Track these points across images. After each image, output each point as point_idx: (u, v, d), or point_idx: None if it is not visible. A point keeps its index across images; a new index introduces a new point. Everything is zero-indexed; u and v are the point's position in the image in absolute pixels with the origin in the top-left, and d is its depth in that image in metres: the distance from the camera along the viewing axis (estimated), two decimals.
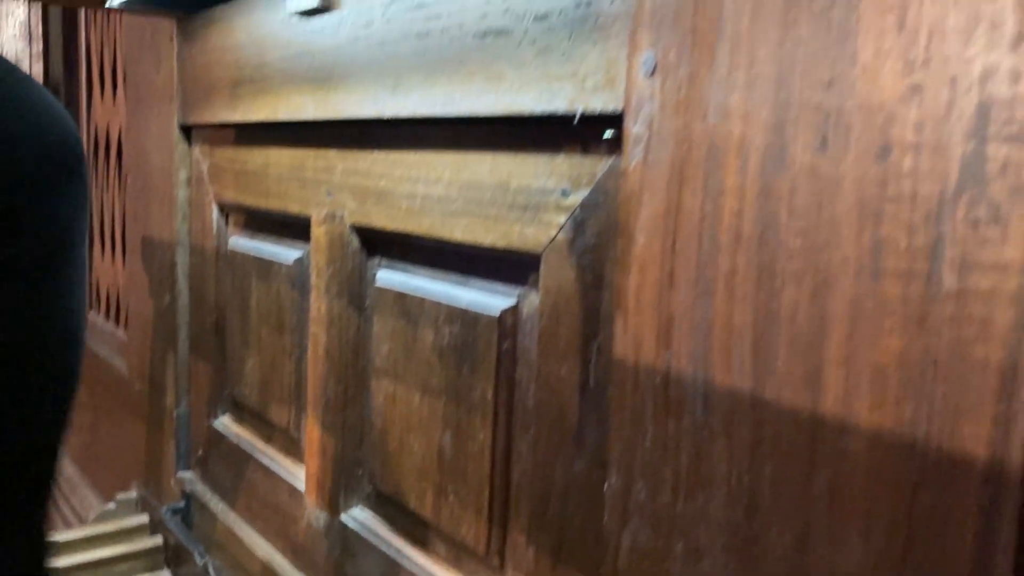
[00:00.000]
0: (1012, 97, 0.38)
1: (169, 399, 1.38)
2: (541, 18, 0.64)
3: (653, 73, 0.55)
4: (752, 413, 0.49)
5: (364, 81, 0.85)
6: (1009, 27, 0.38)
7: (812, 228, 0.46)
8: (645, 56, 0.55)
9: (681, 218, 0.53)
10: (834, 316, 0.45)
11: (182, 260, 1.34)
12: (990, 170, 0.39)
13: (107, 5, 1.19)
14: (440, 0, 0.74)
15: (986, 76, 0.39)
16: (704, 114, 0.52)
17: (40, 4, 1.92)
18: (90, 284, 1.96)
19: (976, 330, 0.39)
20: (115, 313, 1.82)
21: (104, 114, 1.81)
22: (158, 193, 1.40)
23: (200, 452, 1.30)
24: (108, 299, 1.86)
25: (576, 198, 0.63)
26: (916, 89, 0.41)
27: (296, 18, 0.95)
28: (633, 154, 0.57)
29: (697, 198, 0.52)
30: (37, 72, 1.93)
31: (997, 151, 0.39)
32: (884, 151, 0.43)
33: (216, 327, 1.26)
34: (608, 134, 0.60)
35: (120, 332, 1.74)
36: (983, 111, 0.39)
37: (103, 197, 1.86)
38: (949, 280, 0.40)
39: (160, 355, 1.43)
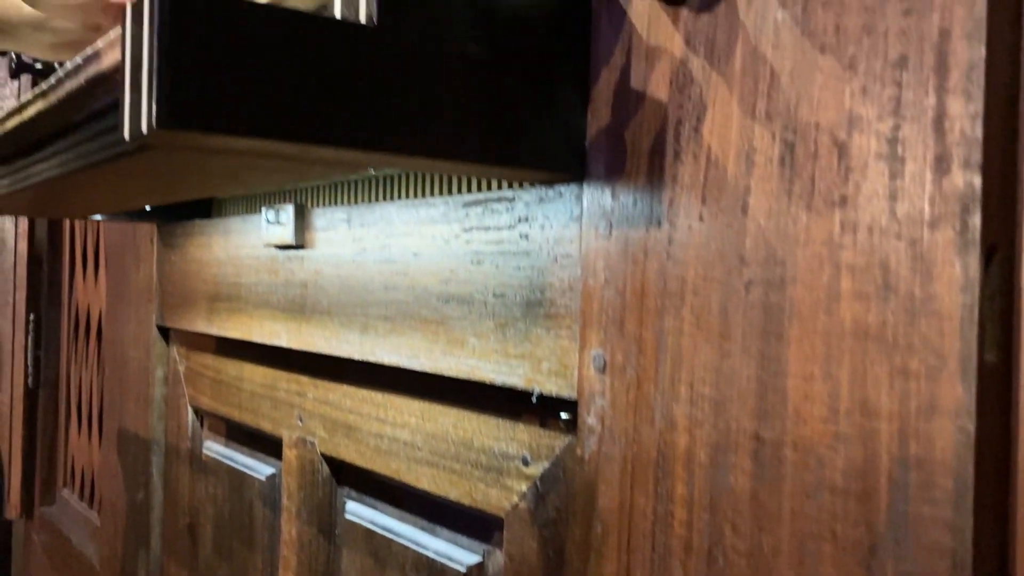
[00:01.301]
0: (928, 457, 0.40)
1: None
2: (500, 295, 0.67)
3: (603, 370, 0.58)
4: None
5: (335, 320, 0.87)
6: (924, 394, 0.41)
7: (757, 552, 0.48)
8: (595, 353, 0.58)
9: (635, 517, 0.55)
10: None
11: (157, 458, 1.34)
12: (911, 530, 0.41)
13: (92, 217, 1.23)
14: (407, 259, 0.77)
15: (904, 434, 0.41)
16: (652, 419, 0.54)
17: None
18: (64, 461, 1.95)
19: None
20: (89, 494, 1.80)
21: (86, 294, 1.84)
22: (135, 388, 1.41)
23: None
24: (83, 479, 1.84)
25: (536, 469, 0.65)
26: (841, 438, 0.44)
27: (272, 248, 0.99)
28: (588, 444, 0.59)
29: (649, 501, 0.54)
30: (22, 250, 1.97)
31: (919, 509, 0.41)
32: (817, 490, 0.45)
33: (190, 530, 1.25)
34: (564, 416, 0.62)
35: (93, 516, 1.72)
36: (903, 466, 0.41)
37: (81, 374, 1.87)
38: None
39: (132, 550, 1.41)
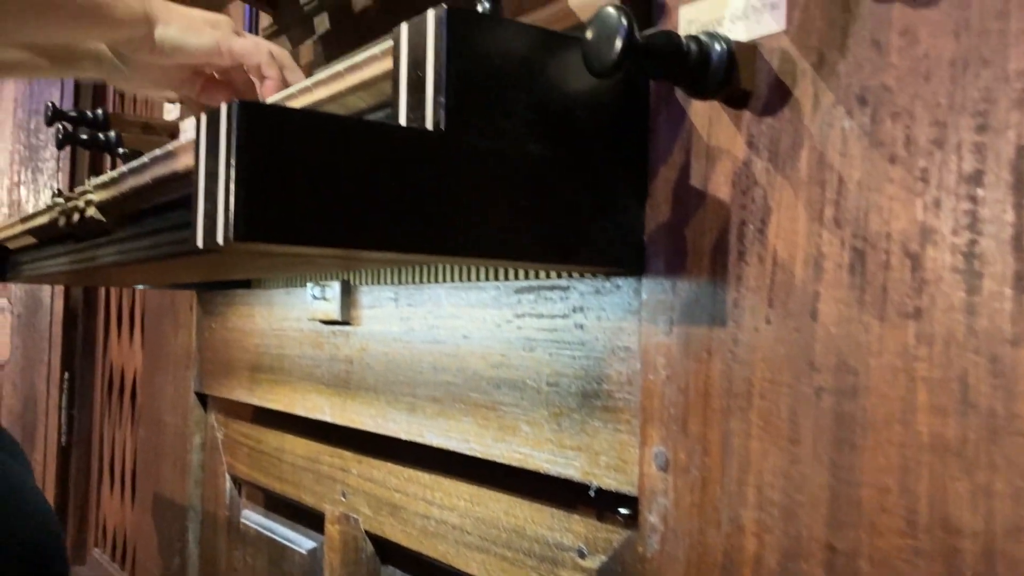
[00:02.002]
0: None
1: None
2: (554, 383, 0.67)
3: (666, 468, 0.57)
4: None
5: (381, 397, 0.88)
6: None
7: None
8: (656, 450, 0.58)
9: None
10: None
11: (193, 525, 1.33)
12: None
13: (134, 286, 1.24)
14: (457, 340, 0.78)
15: (990, 555, 0.41)
16: (718, 521, 0.54)
17: None
18: (95, 521, 1.95)
19: None
20: (120, 555, 1.80)
21: (120, 354, 1.86)
22: (171, 453, 1.41)
23: None
24: (114, 540, 1.84)
25: (593, 562, 0.64)
26: (920, 553, 0.43)
27: (317, 323, 1.00)
28: (650, 542, 0.58)
29: None
30: (58, 309, 1.99)
31: None
32: None
33: None
34: (623, 512, 0.62)
35: None
36: None
37: (114, 433, 1.87)
38: None
39: None
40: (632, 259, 0.60)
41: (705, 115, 0.56)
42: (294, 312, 1.06)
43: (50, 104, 1.27)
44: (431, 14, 0.52)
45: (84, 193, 0.74)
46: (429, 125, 0.52)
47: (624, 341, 0.61)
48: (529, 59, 0.55)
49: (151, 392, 1.52)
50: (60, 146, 1.28)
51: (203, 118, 0.48)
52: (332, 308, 0.94)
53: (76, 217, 0.73)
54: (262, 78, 0.81)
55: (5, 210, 2.10)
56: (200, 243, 0.48)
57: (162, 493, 1.44)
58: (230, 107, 0.45)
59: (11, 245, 1.11)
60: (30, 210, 2.17)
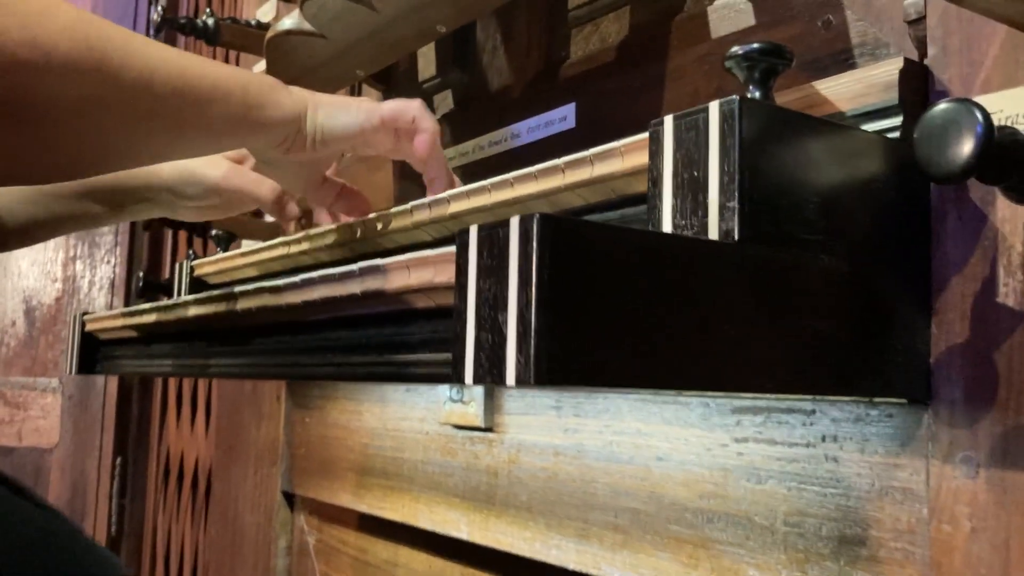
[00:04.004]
0: None
1: None
2: (794, 524, 0.58)
3: None
4: None
5: (539, 519, 0.78)
6: None
7: None
8: None
9: None
10: None
11: None
12: None
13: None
14: (646, 462, 0.68)
15: None
16: None
17: None
18: None
19: None
20: None
21: (179, 439, 1.76)
22: (251, 555, 1.30)
23: None
24: None
25: None
26: None
27: (449, 427, 0.91)
28: None
29: None
30: (112, 389, 1.90)
31: None
32: None
33: None
34: None
35: None
36: None
37: (171, 526, 1.77)
38: None
39: None
40: (915, 384, 0.51)
41: (1016, 220, 0.48)
42: (416, 412, 0.97)
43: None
44: (715, 108, 0.45)
45: (231, 297, 0.66)
46: (714, 234, 0.44)
47: (901, 481, 0.52)
48: (817, 156, 0.47)
49: (226, 487, 1.42)
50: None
51: (473, 234, 0.40)
52: (473, 413, 0.85)
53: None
54: (412, 136, 0.71)
55: (59, 285, 2.03)
56: (470, 379, 0.40)
57: None
58: (527, 219, 0.37)
59: (104, 336, 1.03)
60: (85, 287, 2.10)
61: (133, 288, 1.35)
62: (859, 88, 0.53)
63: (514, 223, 0.38)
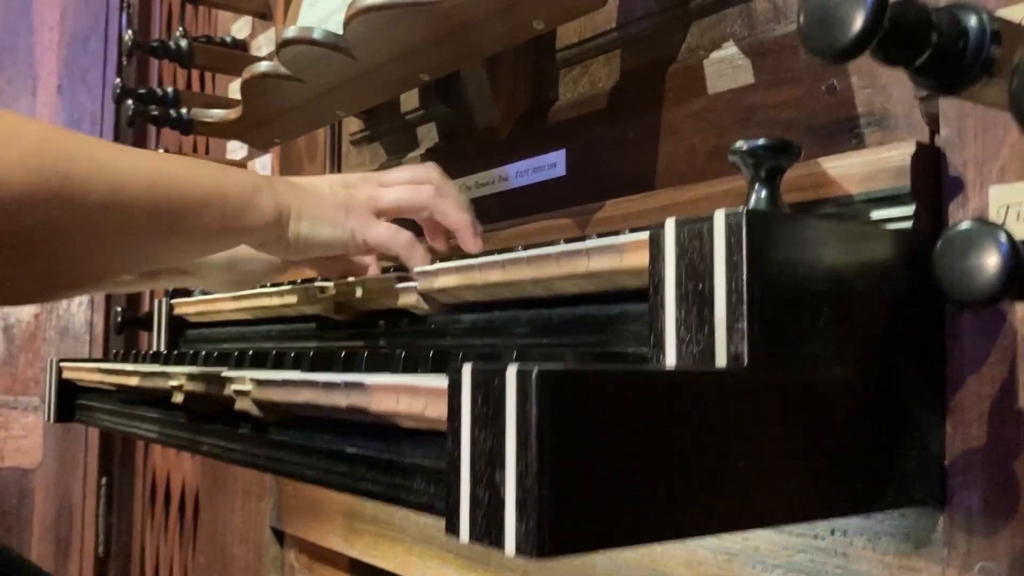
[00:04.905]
0: None
1: None
2: None
3: None
4: None
5: None
6: None
7: None
8: None
9: None
10: None
11: None
12: None
13: None
14: None
15: None
16: None
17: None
18: None
19: None
20: None
21: (165, 460, 1.73)
22: None
23: None
24: None
25: None
26: None
27: None
28: None
29: None
30: None
31: None
32: None
33: None
34: None
35: None
36: None
37: (158, 545, 1.74)
38: None
39: None
40: (929, 487, 0.49)
41: None
42: None
43: (118, 83, 1.17)
44: (720, 219, 0.42)
45: (216, 380, 0.63)
46: (720, 356, 0.41)
47: None
48: (828, 261, 0.44)
49: (213, 516, 1.39)
50: (130, 123, 1.15)
51: (466, 375, 0.37)
52: None
53: (221, 401, 0.61)
54: (435, 234, 0.74)
55: None
56: (465, 537, 0.37)
57: None
58: (524, 375, 0.34)
59: (83, 383, 1.00)
60: (64, 303, 2.04)
61: (112, 320, 1.31)
62: (868, 171, 0.51)
63: (511, 375, 0.35)
